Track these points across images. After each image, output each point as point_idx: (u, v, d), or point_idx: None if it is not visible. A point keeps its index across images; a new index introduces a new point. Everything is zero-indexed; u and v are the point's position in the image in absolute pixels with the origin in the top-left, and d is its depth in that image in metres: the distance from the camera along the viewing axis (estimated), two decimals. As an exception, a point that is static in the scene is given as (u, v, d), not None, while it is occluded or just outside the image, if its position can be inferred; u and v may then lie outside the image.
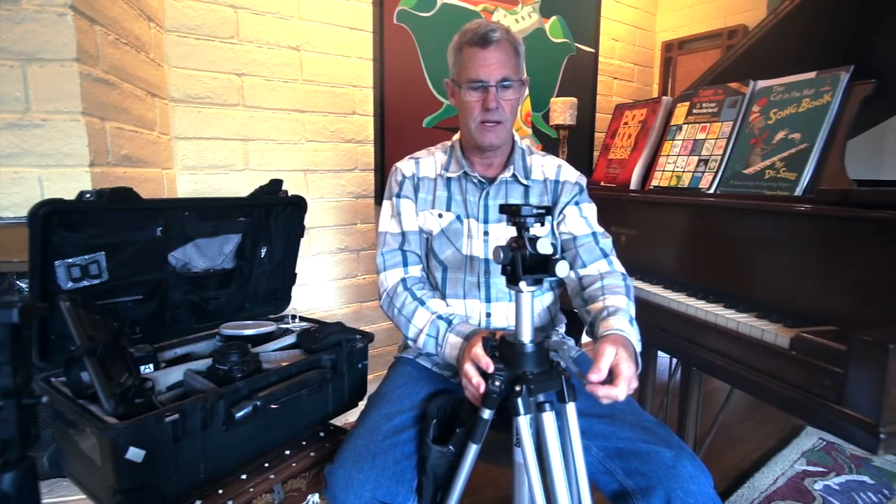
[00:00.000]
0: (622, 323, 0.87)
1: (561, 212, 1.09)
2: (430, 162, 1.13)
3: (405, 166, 1.13)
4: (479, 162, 1.11)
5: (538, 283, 0.74)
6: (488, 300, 1.07)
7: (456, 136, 1.15)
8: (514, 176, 1.09)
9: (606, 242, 1.08)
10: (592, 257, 1.05)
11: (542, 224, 0.74)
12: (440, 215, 1.09)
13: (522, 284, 0.72)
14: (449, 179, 1.11)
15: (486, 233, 1.07)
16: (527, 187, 1.09)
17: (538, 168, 1.12)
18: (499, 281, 1.06)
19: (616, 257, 1.07)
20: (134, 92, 1.34)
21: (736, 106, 1.29)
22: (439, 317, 0.99)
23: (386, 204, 1.14)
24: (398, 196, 1.11)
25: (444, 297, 1.08)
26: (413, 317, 1.02)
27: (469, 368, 0.83)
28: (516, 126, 2.42)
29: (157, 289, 1.08)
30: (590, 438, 0.90)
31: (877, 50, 1.28)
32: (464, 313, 1.07)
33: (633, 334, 0.88)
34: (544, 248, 0.72)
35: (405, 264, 1.08)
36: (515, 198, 1.09)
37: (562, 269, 0.70)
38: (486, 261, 1.06)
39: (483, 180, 1.09)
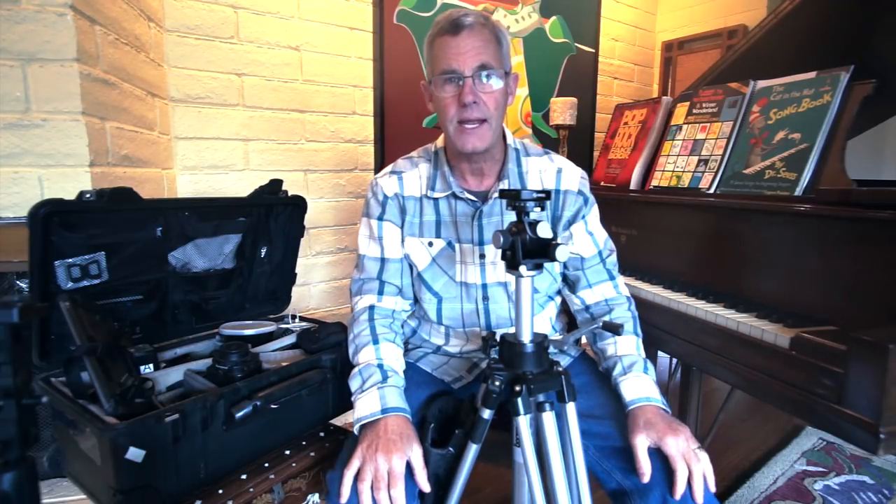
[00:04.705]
0: (640, 384, 0.89)
1: (566, 227, 1.01)
2: (413, 177, 1.01)
3: (387, 184, 1.01)
4: (469, 172, 0.99)
5: (538, 267, 0.74)
6: (489, 327, 1.01)
7: (440, 141, 1.03)
8: None
9: (611, 260, 1.04)
10: (598, 279, 1.02)
11: (543, 209, 0.74)
12: (430, 244, 1.00)
13: (522, 269, 0.72)
14: (436, 200, 1.00)
15: (481, 256, 0.98)
16: None
17: (535, 175, 1.01)
18: (497, 307, 1.00)
19: (620, 276, 1.05)
20: (134, 92, 1.34)
21: (736, 106, 1.29)
22: (379, 365, 0.90)
23: (364, 223, 1.03)
24: (380, 218, 1.00)
25: (441, 323, 1.04)
26: (360, 351, 0.93)
27: (382, 469, 0.75)
28: (516, 126, 2.43)
29: (157, 289, 1.08)
30: (588, 438, 0.89)
31: (877, 50, 1.28)
32: (465, 342, 1.05)
33: (651, 384, 0.89)
34: (544, 231, 0.72)
35: (380, 293, 1.00)
36: (512, 216, 0.98)
37: (562, 253, 0.70)
38: (484, 286, 0.99)
39: (474, 198, 0.98)
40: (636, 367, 0.91)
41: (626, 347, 0.95)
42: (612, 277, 1.03)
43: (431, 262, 1.01)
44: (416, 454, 0.79)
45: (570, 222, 1.01)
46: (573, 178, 1.02)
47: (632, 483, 0.84)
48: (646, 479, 0.79)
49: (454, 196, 0.99)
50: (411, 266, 1.03)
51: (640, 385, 0.88)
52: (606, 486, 0.89)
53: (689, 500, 0.78)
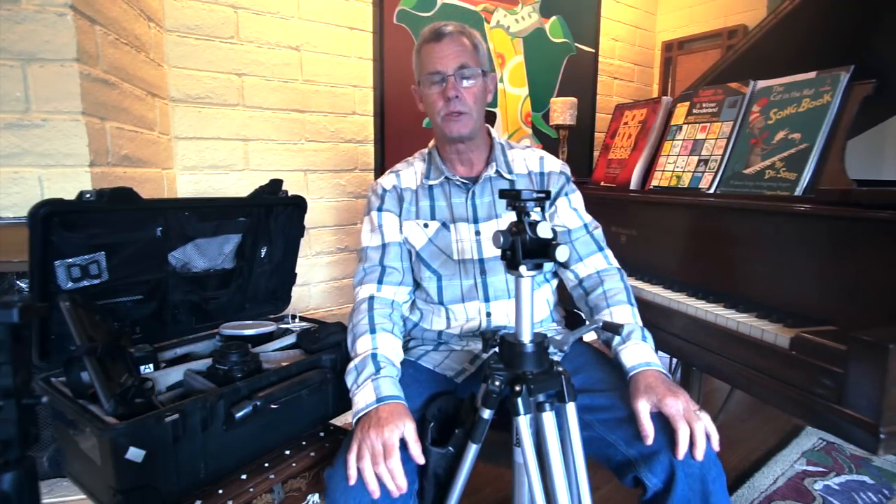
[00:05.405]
0: (638, 351, 0.91)
1: (552, 203, 1.10)
2: (409, 173, 1.12)
3: (385, 180, 1.12)
4: (459, 162, 1.09)
5: (538, 267, 0.74)
6: (487, 300, 1.06)
7: (432, 143, 1.14)
8: (497, 172, 1.07)
9: (598, 233, 1.10)
10: (588, 250, 1.08)
11: (542, 208, 0.74)
12: (426, 225, 1.07)
13: (522, 269, 0.72)
14: (431, 187, 1.09)
15: (477, 232, 1.06)
16: (512, 182, 1.09)
17: (520, 161, 1.11)
18: (495, 279, 1.05)
19: (608, 248, 1.10)
20: (134, 92, 1.34)
21: (736, 106, 1.29)
22: (373, 356, 0.92)
23: (366, 220, 1.12)
24: (379, 209, 1.09)
25: (442, 304, 1.07)
26: (357, 340, 0.96)
27: (377, 444, 0.78)
28: (516, 126, 2.43)
29: (157, 289, 1.08)
30: (591, 413, 0.90)
31: (877, 50, 1.28)
32: (464, 316, 1.07)
33: (650, 351, 0.92)
34: (544, 232, 0.72)
35: (380, 281, 1.05)
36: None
37: (562, 253, 0.70)
38: (481, 261, 1.05)
39: (466, 181, 1.08)
40: (634, 335, 0.94)
41: (623, 317, 0.98)
42: (601, 248, 1.09)
43: (428, 242, 1.07)
44: (408, 429, 0.81)
45: (555, 198, 1.10)
46: (555, 162, 1.13)
47: (637, 451, 0.85)
48: (649, 441, 0.81)
49: (447, 181, 1.09)
50: (410, 251, 1.08)
51: (639, 352, 0.91)
52: (612, 460, 0.89)
53: (694, 462, 0.79)
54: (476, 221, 1.06)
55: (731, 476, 1.72)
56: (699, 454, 0.78)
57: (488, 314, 1.06)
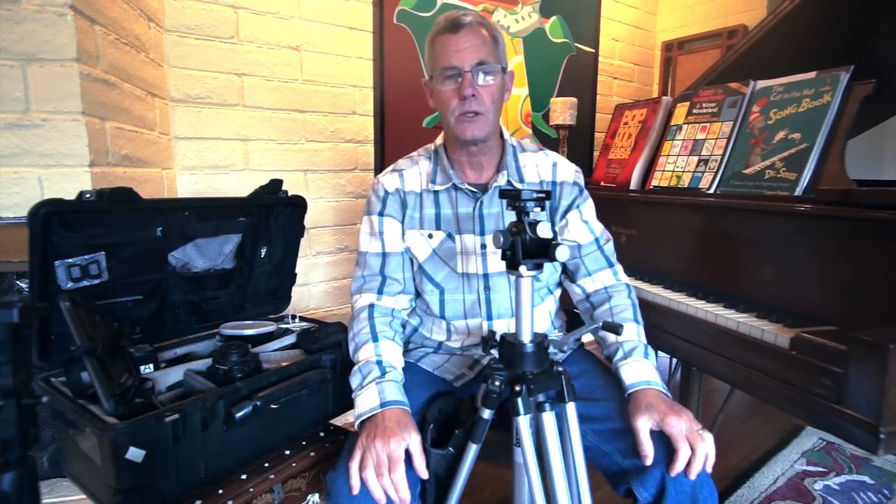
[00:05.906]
0: (640, 368, 0.89)
1: (563, 216, 1.04)
2: (414, 173, 1.04)
3: (388, 181, 1.04)
4: (469, 165, 1.03)
5: (538, 267, 0.74)
6: (490, 317, 1.02)
7: (440, 139, 1.07)
8: (508, 182, 1.02)
9: (609, 247, 1.06)
10: (597, 266, 1.03)
11: (543, 208, 0.74)
12: (430, 235, 1.02)
13: (522, 269, 0.72)
14: (437, 193, 1.03)
15: (483, 246, 1.00)
16: None
17: (532, 168, 1.05)
18: (499, 296, 1.02)
19: (619, 263, 1.06)
20: (134, 92, 1.34)
21: (736, 106, 1.29)
22: (378, 362, 0.91)
23: (366, 221, 1.05)
24: (381, 214, 1.03)
25: (443, 318, 1.04)
26: (360, 349, 0.95)
27: (382, 455, 0.77)
28: (516, 126, 2.43)
29: (157, 289, 1.08)
30: (587, 423, 0.89)
31: (877, 50, 1.28)
32: (466, 331, 1.05)
33: (651, 369, 0.90)
34: (544, 232, 0.72)
35: (380, 291, 1.01)
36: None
37: (562, 253, 0.70)
38: (486, 276, 1.01)
39: (475, 190, 1.01)
40: (636, 351, 0.92)
41: (627, 334, 0.96)
42: (610, 264, 1.05)
43: (432, 254, 1.02)
44: (414, 441, 0.80)
45: (566, 211, 1.04)
46: (568, 170, 1.06)
47: (632, 463, 0.84)
48: (648, 461, 0.80)
49: (455, 188, 1.02)
50: (412, 260, 1.04)
51: (640, 369, 0.89)
52: (607, 470, 0.89)
53: (686, 480, 0.79)
54: (482, 234, 1.01)
55: (731, 476, 1.72)
56: (693, 474, 0.77)
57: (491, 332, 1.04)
